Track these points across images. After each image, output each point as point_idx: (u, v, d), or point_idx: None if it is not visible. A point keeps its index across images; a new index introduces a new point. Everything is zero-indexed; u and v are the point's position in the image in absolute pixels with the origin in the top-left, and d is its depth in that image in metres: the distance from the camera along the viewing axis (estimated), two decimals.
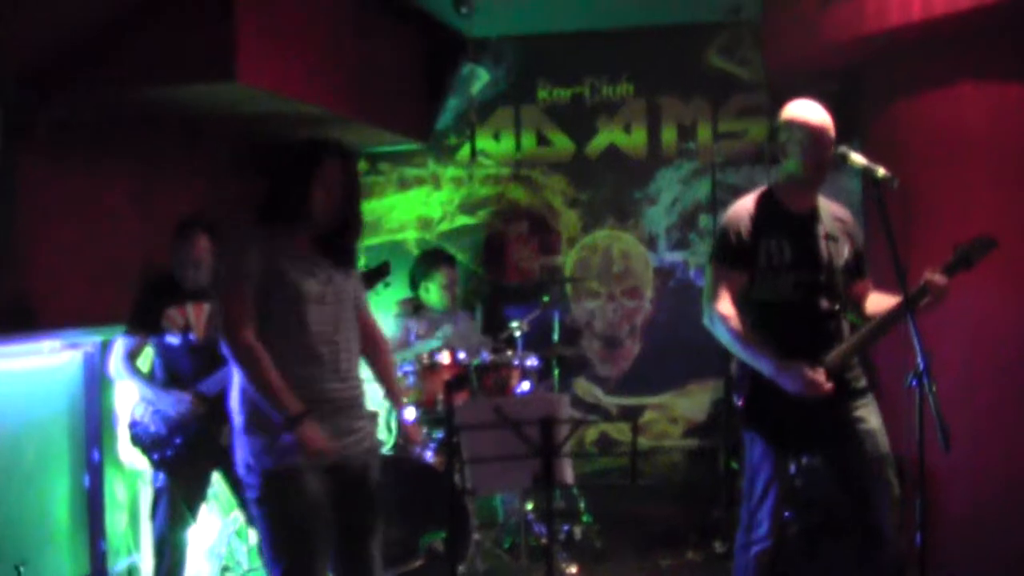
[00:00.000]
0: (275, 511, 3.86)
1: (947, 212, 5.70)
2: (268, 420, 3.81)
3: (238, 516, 6.13)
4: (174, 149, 6.65)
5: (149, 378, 5.41)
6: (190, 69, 5.21)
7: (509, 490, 4.79)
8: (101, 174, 5.98)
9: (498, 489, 4.70)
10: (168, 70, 5.24)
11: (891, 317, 4.28)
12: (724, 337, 4.46)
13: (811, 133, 4.38)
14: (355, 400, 4.07)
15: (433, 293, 6.96)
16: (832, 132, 4.39)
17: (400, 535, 5.84)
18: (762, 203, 4.53)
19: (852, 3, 5.82)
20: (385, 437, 6.26)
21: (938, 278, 4.22)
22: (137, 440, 5.35)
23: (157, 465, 5.34)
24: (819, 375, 4.26)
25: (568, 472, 4.12)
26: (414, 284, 7.07)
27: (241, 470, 3.94)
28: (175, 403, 5.24)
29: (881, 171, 4.21)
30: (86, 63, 5.30)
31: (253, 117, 6.36)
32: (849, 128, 6.32)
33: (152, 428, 5.30)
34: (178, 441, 5.28)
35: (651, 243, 7.79)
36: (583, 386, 7.78)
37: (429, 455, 5.95)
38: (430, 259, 7.09)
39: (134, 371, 5.38)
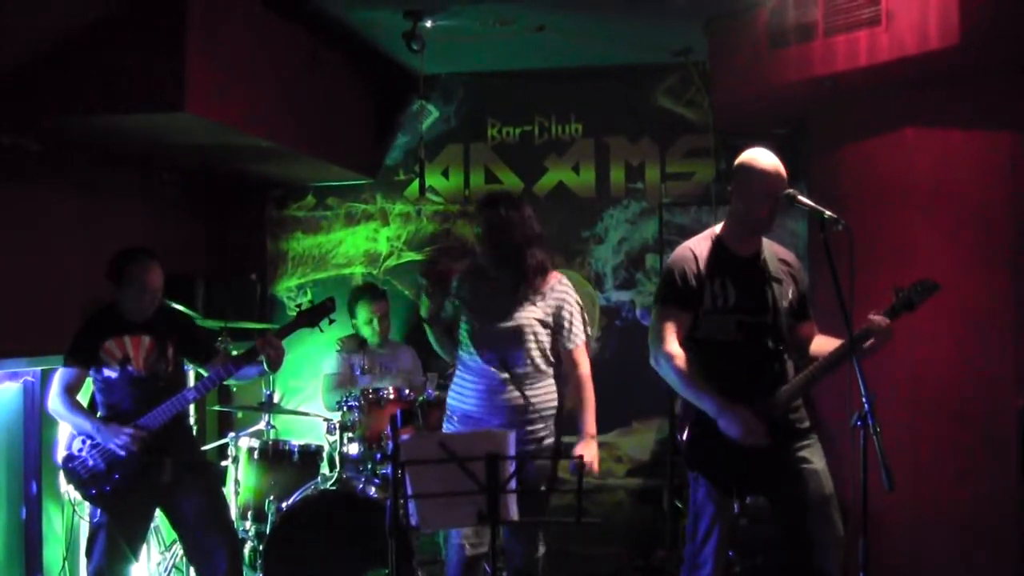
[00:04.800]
0: None
1: (890, 255, 5.75)
2: None
3: (178, 550, 6.06)
4: (119, 179, 6.61)
5: (89, 412, 5.21)
6: (139, 98, 5.18)
7: (454, 527, 4.75)
8: (44, 203, 5.93)
9: (443, 526, 4.66)
10: (116, 99, 5.21)
11: (835, 358, 4.32)
12: (669, 377, 4.48)
13: (761, 179, 4.42)
14: None
15: (361, 328, 6.97)
16: (782, 179, 4.43)
17: (343, 571, 5.79)
18: (708, 245, 4.57)
19: (799, 47, 5.89)
20: (328, 472, 6.23)
21: (880, 320, 4.27)
22: (73, 474, 5.17)
23: (93, 500, 5.16)
24: (759, 424, 4.28)
25: (512, 509, 4.10)
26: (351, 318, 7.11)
27: None
28: (114, 437, 5.05)
29: (827, 214, 4.26)
30: (31, 90, 5.25)
31: (201, 148, 6.33)
32: (795, 171, 6.38)
33: (90, 463, 5.12)
34: (116, 476, 5.11)
35: (598, 282, 7.80)
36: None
37: (372, 490, 5.91)
38: (357, 293, 7.11)
39: (72, 405, 5.16)
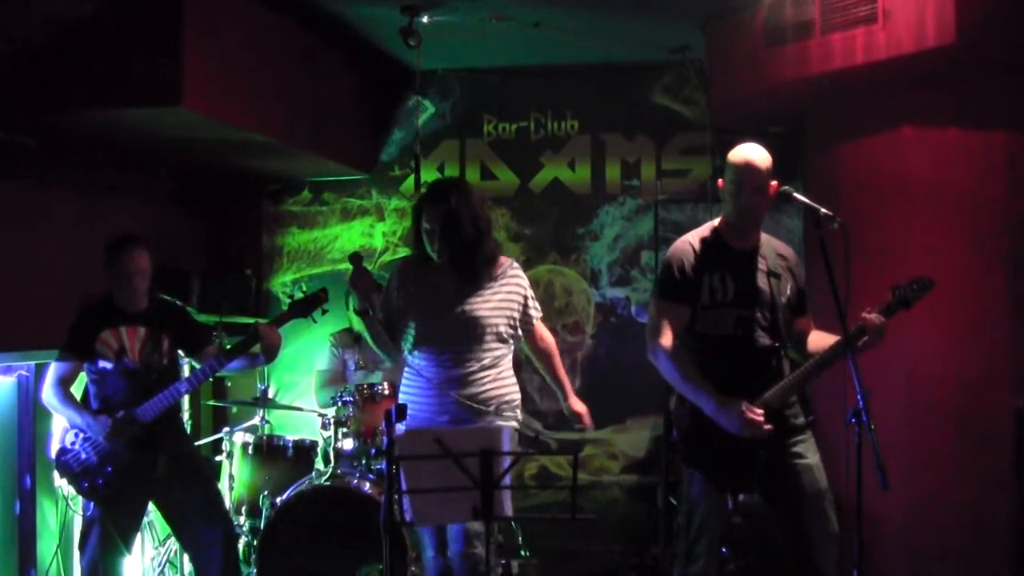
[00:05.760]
0: None
1: (886, 253, 5.76)
2: None
3: (172, 545, 6.05)
4: (116, 175, 6.60)
5: (81, 405, 5.18)
6: (136, 93, 5.19)
7: (448, 523, 4.73)
8: (41, 198, 5.92)
9: (437, 521, 4.64)
10: (113, 94, 5.21)
11: (831, 354, 4.32)
12: (665, 371, 4.47)
13: (736, 172, 4.42)
14: None
15: (353, 320, 6.93)
16: (755, 171, 4.40)
17: (337, 566, 5.79)
18: (707, 239, 4.56)
19: (796, 45, 5.89)
20: (323, 468, 6.22)
21: (874, 318, 4.27)
22: (65, 468, 5.14)
23: (86, 494, 5.15)
24: (758, 415, 4.28)
25: (507, 505, 4.09)
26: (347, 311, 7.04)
27: None
28: (105, 429, 5.01)
29: (823, 211, 4.26)
30: (29, 86, 5.25)
31: (197, 144, 6.33)
32: (792, 169, 6.40)
33: (82, 456, 5.10)
34: (109, 470, 5.08)
35: (593, 279, 7.80)
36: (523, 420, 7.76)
37: (367, 486, 5.91)
38: None
39: (64, 398, 5.14)
